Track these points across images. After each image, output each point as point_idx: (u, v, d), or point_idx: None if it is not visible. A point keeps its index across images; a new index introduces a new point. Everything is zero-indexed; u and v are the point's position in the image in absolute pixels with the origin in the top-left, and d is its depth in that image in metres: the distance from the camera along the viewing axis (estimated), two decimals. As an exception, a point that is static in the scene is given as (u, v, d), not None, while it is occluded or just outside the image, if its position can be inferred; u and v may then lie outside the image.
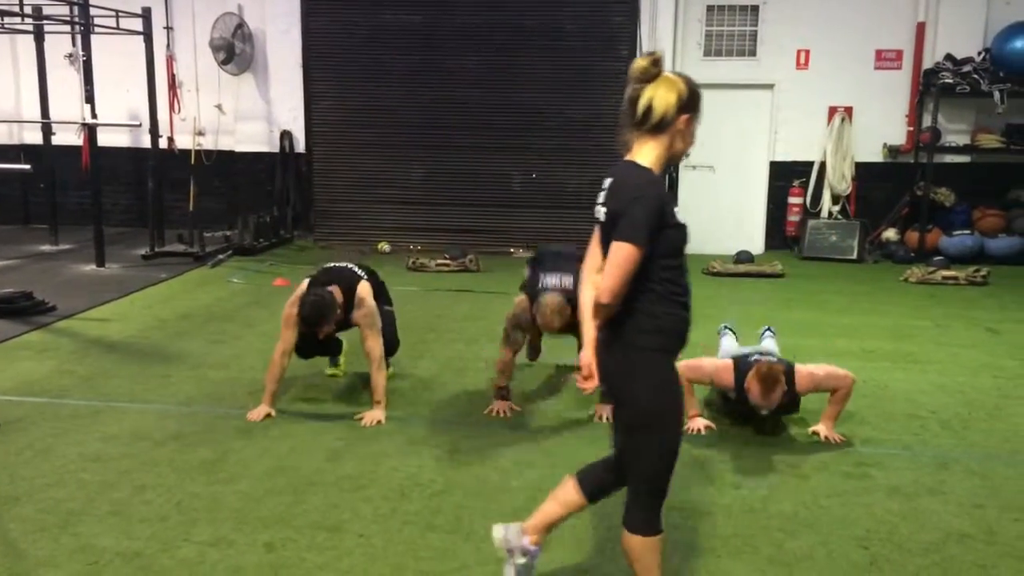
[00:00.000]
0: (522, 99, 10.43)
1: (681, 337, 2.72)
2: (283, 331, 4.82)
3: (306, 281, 4.91)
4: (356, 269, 5.11)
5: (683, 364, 4.67)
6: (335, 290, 4.79)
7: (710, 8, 10.44)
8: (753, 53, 10.47)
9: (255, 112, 10.89)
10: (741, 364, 4.57)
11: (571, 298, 4.61)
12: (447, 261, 9.31)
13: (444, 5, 10.48)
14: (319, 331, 4.73)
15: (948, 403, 5.20)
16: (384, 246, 10.49)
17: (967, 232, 9.95)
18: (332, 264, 5.21)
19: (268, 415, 4.77)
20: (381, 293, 5.25)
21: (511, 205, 10.63)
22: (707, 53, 10.52)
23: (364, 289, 4.91)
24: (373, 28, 10.54)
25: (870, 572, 3.30)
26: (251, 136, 10.93)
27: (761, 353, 4.75)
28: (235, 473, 4.07)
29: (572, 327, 4.74)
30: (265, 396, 4.83)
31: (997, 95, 9.70)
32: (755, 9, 10.39)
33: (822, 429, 4.59)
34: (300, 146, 10.92)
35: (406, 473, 4.12)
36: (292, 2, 10.60)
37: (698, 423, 4.69)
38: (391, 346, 5.30)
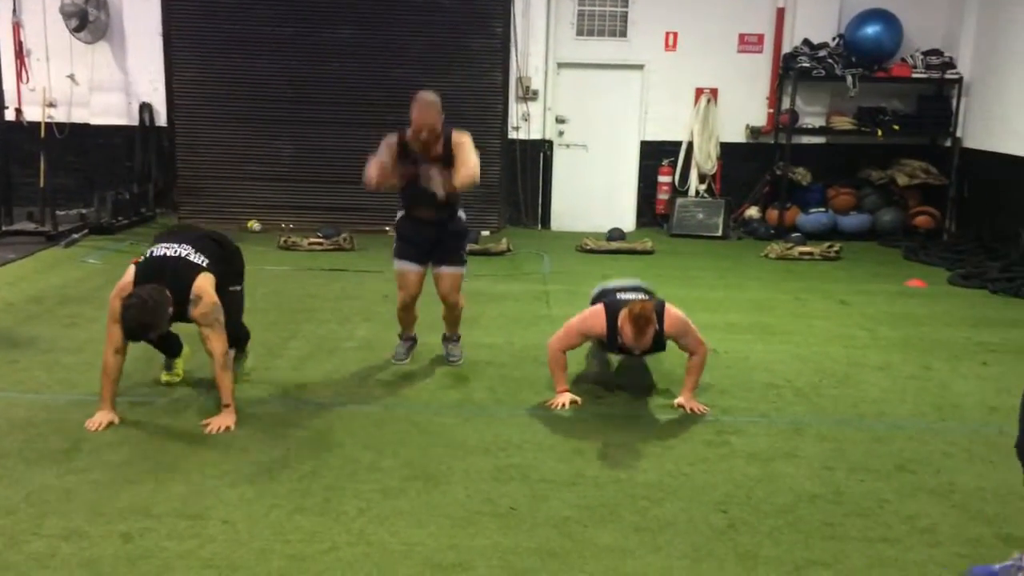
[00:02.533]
0: (397, 75, 10.25)
1: None
2: (109, 326, 4.23)
3: (131, 270, 4.31)
4: (193, 256, 4.38)
5: (553, 339, 4.77)
6: (164, 290, 4.18)
7: (582, -12, 10.55)
8: (624, 34, 10.64)
9: (111, 83, 10.31)
10: (610, 306, 4.63)
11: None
12: (320, 240, 9.12)
13: (314, -24, 10.19)
14: (147, 338, 4.25)
15: (803, 372, 5.48)
16: (254, 224, 10.17)
17: (822, 210, 10.47)
18: (165, 250, 4.38)
19: (111, 423, 4.26)
20: (230, 270, 4.67)
21: (386, 182, 10.45)
22: (580, 33, 10.62)
23: (203, 283, 4.27)
24: (241, -2, 10.14)
25: (728, 534, 3.45)
26: (108, 108, 10.34)
27: (628, 288, 4.88)
28: (90, 462, 3.88)
29: (445, 150, 4.82)
30: (103, 401, 4.30)
31: (849, 79, 10.20)
32: (626, -10, 10.56)
33: (684, 401, 4.76)
34: (161, 119, 10.41)
35: (274, 456, 4.02)
36: (150, -33, 10.06)
37: (564, 398, 4.76)
38: (238, 337, 4.95)
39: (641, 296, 4.75)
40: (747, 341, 6.11)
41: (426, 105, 4.75)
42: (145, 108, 10.29)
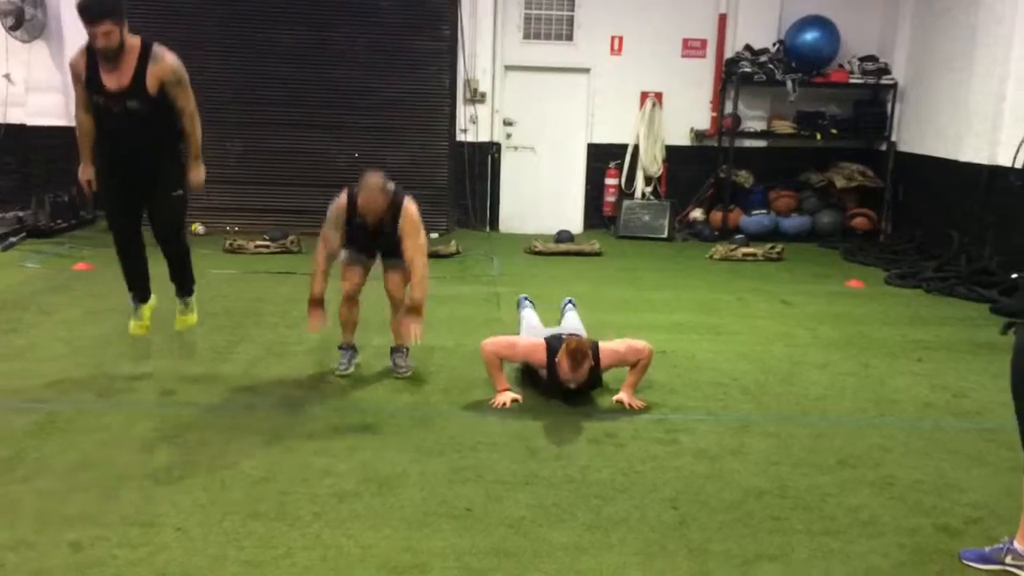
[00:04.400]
0: (343, 76, 10.22)
1: None
2: (75, 87, 4.65)
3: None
4: None
5: (493, 342, 4.85)
6: None
7: (528, -9, 10.63)
8: (570, 37, 10.75)
9: (49, 83, 10.06)
10: (553, 342, 4.81)
11: (394, 195, 4.81)
12: (267, 243, 9.02)
13: (257, -23, 10.08)
14: (98, 29, 4.37)
15: (748, 370, 5.61)
16: (198, 227, 10.00)
17: (764, 212, 10.71)
18: None
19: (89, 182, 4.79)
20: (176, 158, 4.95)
21: (334, 184, 10.24)
22: (527, 36, 10.70)
23: (162, 48, 4.60)
24: (181, -1, 9.99)
25: (679, 531, 3.53)
26: (45, 109, 10.08)
27: (569, 333, 5.01)
28: (34, 470, 3.80)
29: (392, 222, 4.88)
30: (84, 158, 4.76)
31: (789, 84, 10.45)
32: (571, -6, 10.66)
33: (624, 397, 4.87)
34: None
35: (226, 462, 3.99)
36: (89, -35, 9.83)
37: (506, 396, 4.84)
38: (184, 259, 5.25)
39: (578, 336, 4.92)
40: (693, 341, 6.22)
41: (373, 192, 4.78)
42: (84, 109, 10.04)
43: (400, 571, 3.16)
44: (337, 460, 4.06)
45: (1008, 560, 3.23)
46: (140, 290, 5.16)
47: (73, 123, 10.06)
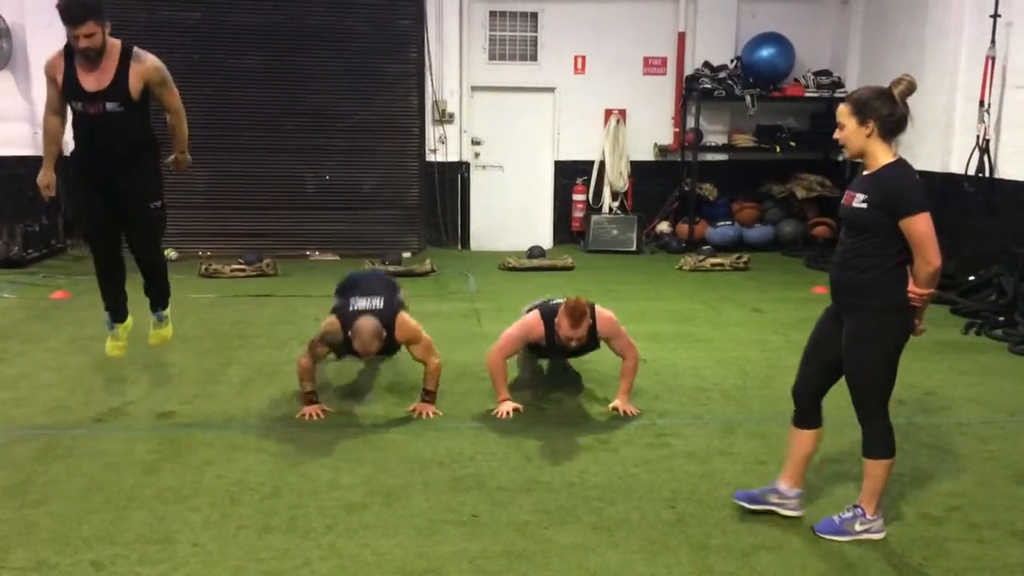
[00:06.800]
0: (312, 100, 10.33)
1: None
2: (48, 89, 4.71)
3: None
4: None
5: (496, 348, 4.98)
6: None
7: (492, 13, 10.83)
8: (535, 58, 10.98)
9: (16, 112, 10.01)
10: (546, 311, 4.98)
11: (384, 321, 4.72)
12: (243, 266, 9.06)
13: (222, 3, 10.15)
14: (80, 30, 4.36)
15: (727, 375, 5.81)
16: (170, 253, 9.99)
17: (728, 223, 11.00)
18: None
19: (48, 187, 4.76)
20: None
21: (305, 207, 10.49)
22: (492, 57, 10.91)
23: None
24: (148, 25, 9.98)
25: (679, 528, 3.69)
26: (12, 138, 10.03)
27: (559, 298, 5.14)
28: (45, 495, 3.85)
29: (388, 349, 4.93)
30: (46, 161, 4.77)
31: (748, 99, 10.78)
32: (534, 16, 10.90)
33: (620, 404, 5.03)
34: (69, 148, 10.12)
35: (232, 479, 4.06)
36: (54, -6, 9.84)
37: (507, 407, 4.97)
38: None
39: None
40: (672, 349, 6.41)
41: (368, 338, 4.64)
42: (52, 137, 10.00)
43: (416, 575, 3.28)
44: (341, 474, 4.15)
45: (858, 527, 3.59)
46: (117, 309, 5.17)
47: (39, 152, 10.02)
